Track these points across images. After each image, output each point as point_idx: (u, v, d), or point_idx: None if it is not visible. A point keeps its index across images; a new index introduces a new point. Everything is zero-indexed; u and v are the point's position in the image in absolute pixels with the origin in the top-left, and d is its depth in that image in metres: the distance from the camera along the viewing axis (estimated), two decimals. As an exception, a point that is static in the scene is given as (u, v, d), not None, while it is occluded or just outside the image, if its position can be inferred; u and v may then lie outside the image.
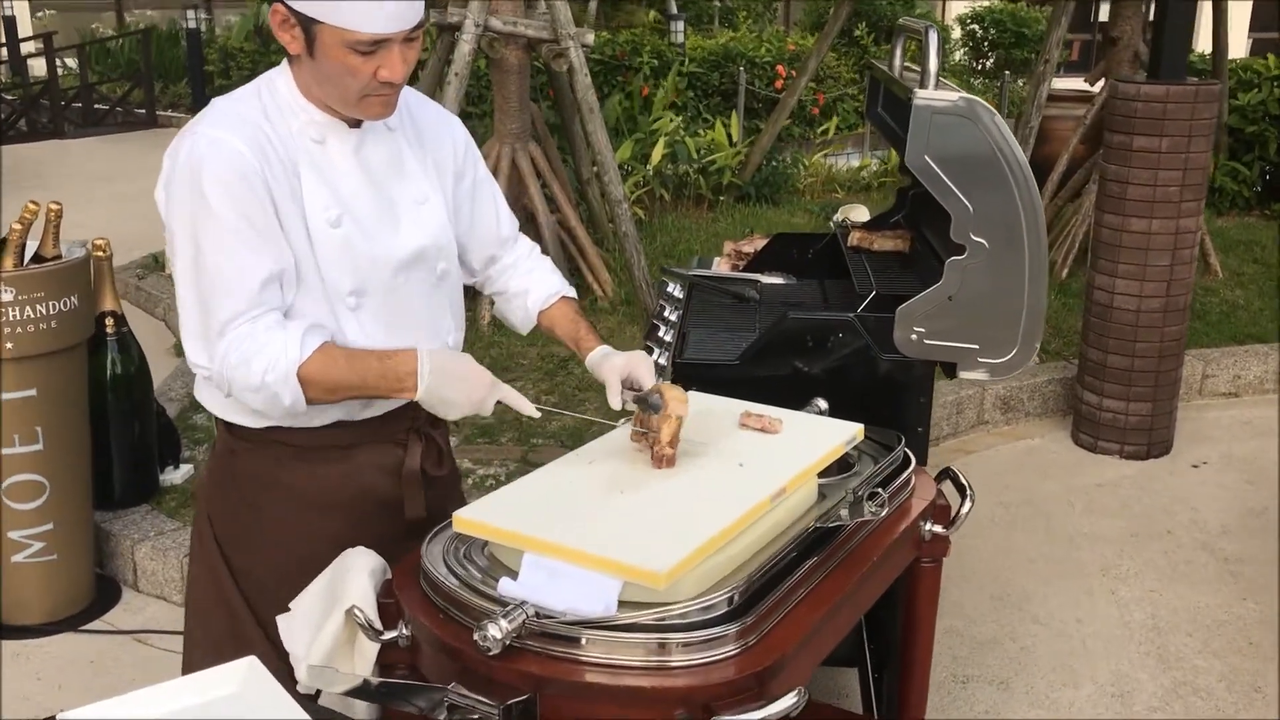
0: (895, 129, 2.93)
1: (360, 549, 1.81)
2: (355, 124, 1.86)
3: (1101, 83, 6.86)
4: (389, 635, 1.70)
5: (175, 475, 4.03)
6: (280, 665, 1.79)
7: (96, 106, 13.36)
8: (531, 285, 2.18)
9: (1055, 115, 7.07)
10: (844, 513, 1.78)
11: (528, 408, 1.91)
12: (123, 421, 3.79)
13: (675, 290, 3.19)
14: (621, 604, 1.55)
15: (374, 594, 1.74)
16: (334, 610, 1.72)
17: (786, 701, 1.49)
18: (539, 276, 2.19)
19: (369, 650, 1.72)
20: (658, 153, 7.75)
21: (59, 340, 3.28)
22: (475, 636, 1.50)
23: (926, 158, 2.28)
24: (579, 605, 1.55)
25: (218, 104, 1.81)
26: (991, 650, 3.39)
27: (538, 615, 1.54)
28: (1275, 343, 5.71)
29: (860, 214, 4.68)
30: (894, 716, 2.59)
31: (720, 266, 3.31)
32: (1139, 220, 4.49)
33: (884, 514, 1.79)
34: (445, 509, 2.10)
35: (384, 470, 2.00)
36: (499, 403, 1.88)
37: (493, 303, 2.25)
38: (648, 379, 1.97)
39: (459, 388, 1.83)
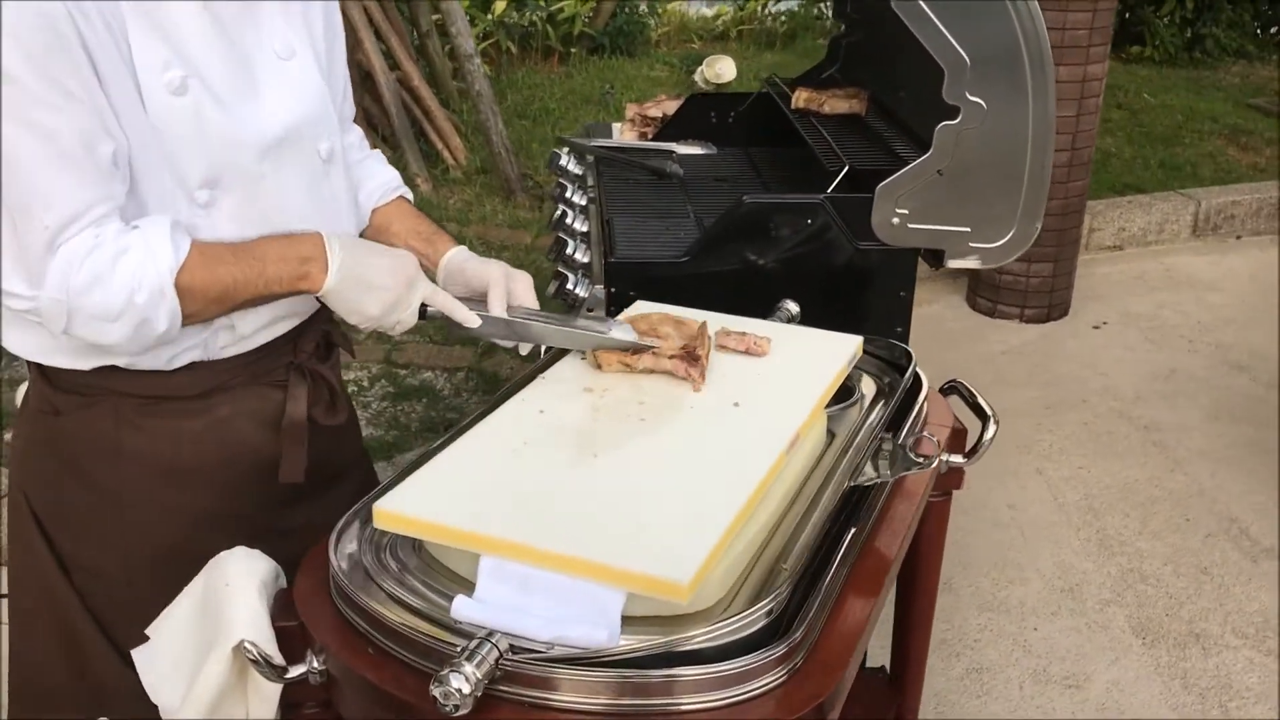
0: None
1: (239, 550, 1.33)
2: None
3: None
4: (295, 672, 1.25)
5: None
6: (137, 691, 1.33)
7: None
8: (363, 177, 1.70)
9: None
10: (882, 466, 1.39)
11: (463, 313, 1.47)
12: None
13: (570, 164, 2.72)
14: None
15: (267, 615, 1.28)
16: (216, 643, 1.25)
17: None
18: (371, 167, 1.73)
19: (268, 691, 1.27)
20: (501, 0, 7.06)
21: None
22: (435, 692, 1.07)
23: (916, -4, 1.84)
24: (571, 632, 1.13)
25: None
26: (928, 547, 3.13)
27: (512, 650, 1.11)
28: (1155, 193, 5.58)
29: (728, 67, 4.22)
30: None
31: (624, 135, 2.83)
32: (1045, 68, 4.17)
33: (934, 464, 1.41)
34: (342, 468, 1.65)
35: (259, 421, 1.53)
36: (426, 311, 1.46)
37: None
38: (528, 298, 1.57)
39: (379, 269, 1.42)
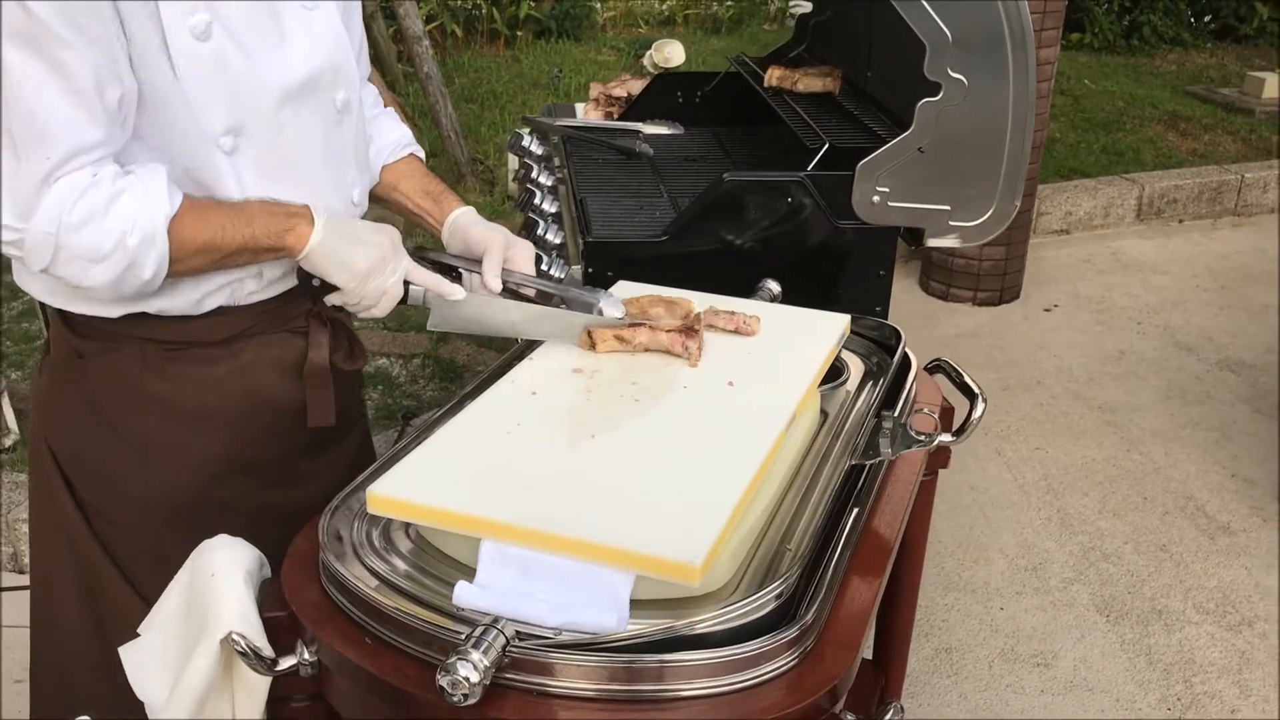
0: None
1: (223, 538, 1.28)
2: None
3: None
4: (286, 664, 1.20)
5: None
6: None
7: None
8: (375, 133, 1.68)
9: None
10: (883, 444, 1.37)
11: (447, 286, 1.47)
12: None
13: (532, 145, 2.68)
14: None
15: (255, 605, 1.23)
16: (203, 636, 1.20)
17: (885, 730, 1.10)
18: (383, 124, 1.71)
19: (257, 686, 1.22)
20: (445, -17, 6.97)
21: None
22: (442, 682, 1.03)
23: (898, -27, 1.82)
24: (580, 617, 1.10)
25: None
26: (892, 529, 3.14)
27: (519, 636, 1.08)
28: (1099, 177, 5.65)
29: (676, 51, 4.20)
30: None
31: (587, 114, 2.79)
32: (998, 52, 4.19)
33: (936, 441, 1.39)
34: (350, 422, 1.67)
35: (282, 369, 1.52)
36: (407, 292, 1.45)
37: None
38: (526, 266, 1.57)
39: (364, 227, 1.42)
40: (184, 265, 1.33)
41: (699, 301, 1.61)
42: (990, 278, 4.52)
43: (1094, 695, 2.55)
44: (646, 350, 1.47)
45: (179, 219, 1.29)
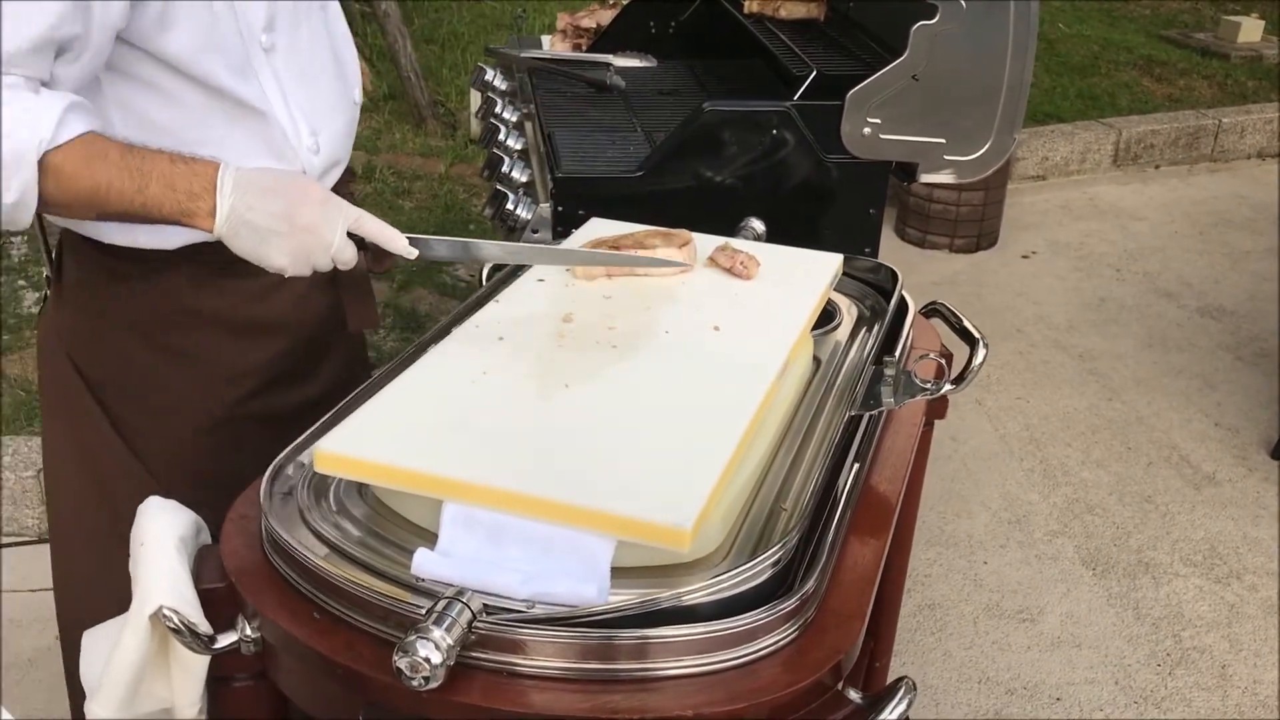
0: None
1: (155, 501, 1.14)
2: None
3: None
4: (226, 642, 1.07)
5: None
6: None
7: None
8: None
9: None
10: (884, 392, 1.25)
11: (397, 241, 1.27)
12: None
13: (496, 79, 2.53)
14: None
15: (189, 575, 1.09)
16: (131, 611, 1.07)
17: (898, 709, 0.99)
18: None
19: (195, 665, 1.09)
20: (403, -81, 6.71)
21: None
22: (400, 664, 0.91)
23: (892, -116, 1.68)
24: (555, 587, 0.98)
25: None
26: (872, 481, 3.04)
27: (486, 610, 0.96)
28: (1076, 122, 5.54)
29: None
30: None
31: (554, 46, 2.64)
32: (979, -12, 4.05)
33: (944, 389, 1.28)
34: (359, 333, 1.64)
35: (318, 275, 1.34)
36: (357, 243, 1.27)
37: None
38: None
39: (270, 214, 1.21)
40: (65, 209, 1.22)
41: (706, 241, 1.49)
42: (968, 223, 4.42)
43: (1082, 651, 2.47)
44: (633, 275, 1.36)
45: (64, 155, 1.15)
